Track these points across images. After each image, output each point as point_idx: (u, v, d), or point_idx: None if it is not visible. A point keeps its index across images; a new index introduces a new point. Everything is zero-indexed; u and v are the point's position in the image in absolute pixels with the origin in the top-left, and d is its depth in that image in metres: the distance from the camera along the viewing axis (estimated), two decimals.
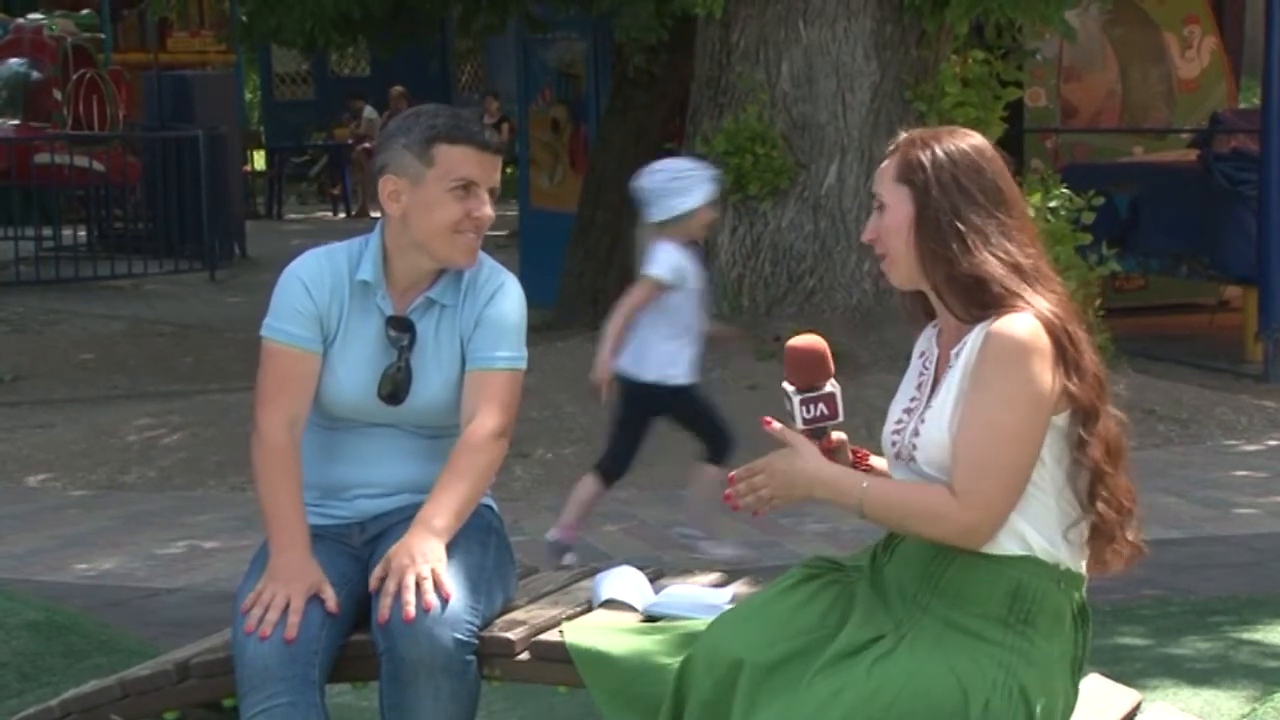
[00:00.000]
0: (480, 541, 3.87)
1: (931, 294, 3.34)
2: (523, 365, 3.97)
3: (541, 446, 8.73)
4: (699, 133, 10.33)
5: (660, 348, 6.93)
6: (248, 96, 28.79)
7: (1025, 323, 3.20)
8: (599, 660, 3.58)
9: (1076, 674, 3.35)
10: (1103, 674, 3.81)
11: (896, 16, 10.05)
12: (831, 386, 3.38)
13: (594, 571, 4.20)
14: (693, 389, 7.10)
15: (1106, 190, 10.93)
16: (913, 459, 3.30)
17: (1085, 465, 3.23)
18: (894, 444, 3.36)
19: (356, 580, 3.82)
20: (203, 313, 15.01)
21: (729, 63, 10.22)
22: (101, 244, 17.79)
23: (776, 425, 3.36)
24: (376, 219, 4.02)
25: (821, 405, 3.37)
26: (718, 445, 7.10)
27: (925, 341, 3.44)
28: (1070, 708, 3.32)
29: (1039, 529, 3.26)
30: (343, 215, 23.77)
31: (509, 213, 17.74)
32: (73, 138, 18.37)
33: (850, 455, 3.45)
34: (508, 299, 3.96)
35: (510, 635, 3.75)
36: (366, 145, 21.78)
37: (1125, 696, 3.75)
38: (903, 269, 3.35)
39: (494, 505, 4.06)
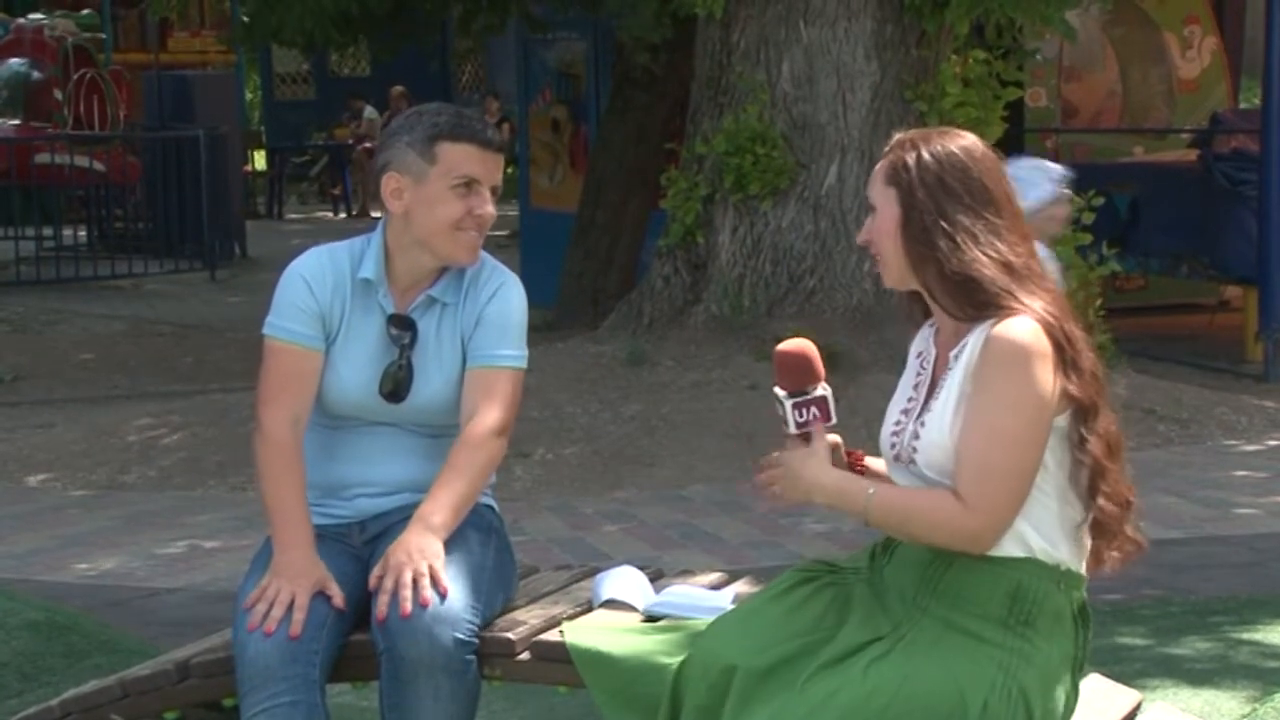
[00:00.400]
0: (481, 542, 3.87)
1: (925, 294, 3.34)
2: (523, 364, 3.97)
3: (541, 446, 8.74)
4: (699, 133, 10.33)
5: None
6: (248, 96, 28.80)
7: (1026, 326, 3.20)
8: (599, 660, 3.58)
9: (1077, 675, 3.35)
10: (1103, 674, 3.81)
11: (897, 16, 10.05)
12: (822, 390, 3.38)
13: (594, 571, 4.20)
14: None
15: (1106, 190, 10.93)
16: (912, 461, 3.30)
17: (1086, 462, 3.24)
18: (893, 446, 3.36)
19: (356, 580, 3.82)
20: (203, 313, 15.01)
21: (729, 63, 10.23)
22: (102, 244, 17.80)
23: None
24: (377, 219, 4.02)
25: (814, 408, 3.36)
26: None
27: (922, 342, 3.44)
28: (1071, 709, 3.32)
29: (1040, 530, 3.26)
30: (343, 215, 23.78)
31: (509, 213, 17.75)
32: (73, 138, 18.37)
33: (845, 458, 3.45)
34: (509, 297, 3.97)
35: (510, 635, 3.75)
36: (367, 145, 21.78)
37: (1125, 696, 3.75)
38: (894, 270, 3.35)
39: (495, 505, 4.06)
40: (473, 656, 3.69)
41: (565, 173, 14.93)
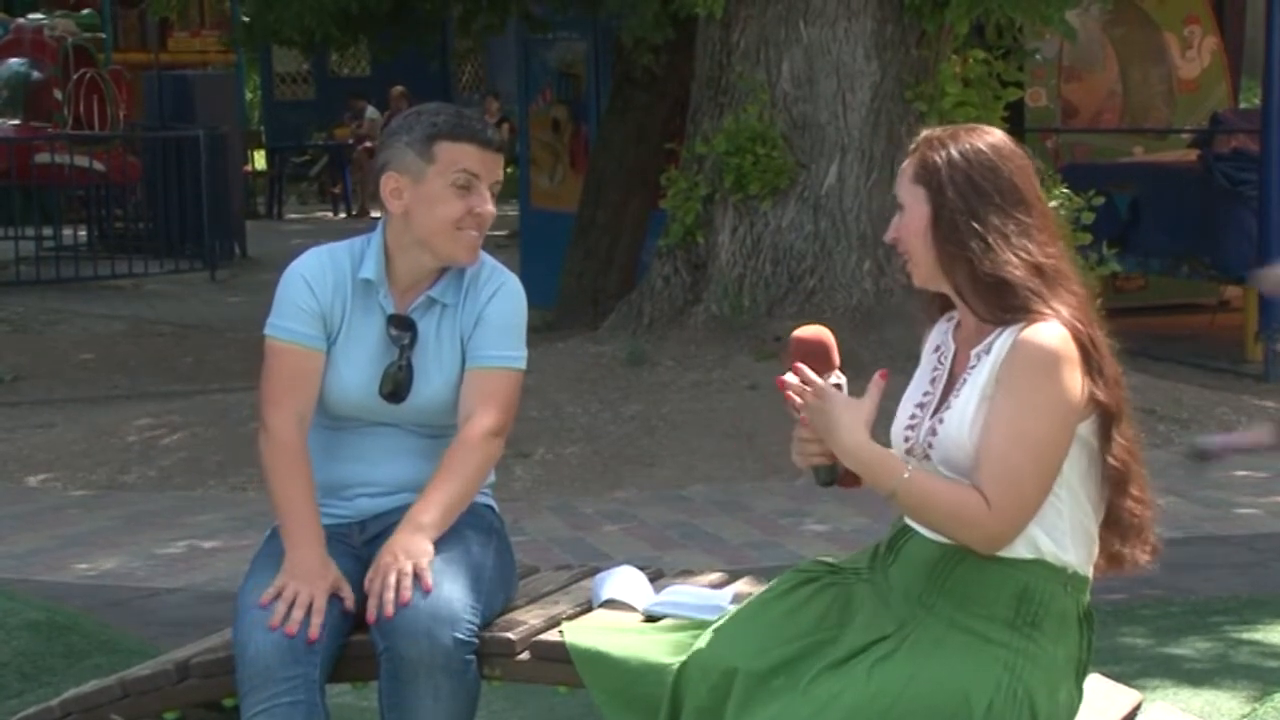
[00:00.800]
0: (481, 542, 3.87)
1: (953, 294, 3.32)
2: (522, 365, 3.97)
3: (541, 446, 8.74)
4: (699, 132, 10.33)
5: None
6: (248, 96, 28.80)
7: (1054, 331, 3.19)
8: (599, 660, 3.58)
9: (1080, 676, 3.35)
10: (1103, 674, 3.81)
11: (897, 16, 10.05)
12: (837, 378, 3.35)
13: (594, 571, 4.20)
14: None
15: (1107, 190, 10.93)
16: (927, 456, 3.28)
17: (1115, 465, 3.24)
18: (907, 439, 3.34)
19: (357, 579, 3.82)
20: (203, 313, 15.01)
21: (729, 63, 10.23)
22: (102, 244, 17.80)
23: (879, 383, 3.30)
24: (377, 219, 4.02)
25: None
26: None
27: (940, 336, 3.42)
28: (1074, 710, 3.32)
29: (1050, 534, 3.25)
30: (343, 215, 23.78)
31: (509, 212, 17.75)
32: (73, 137, 18.37)
33: None
34: (508, 298, 3.96)
35: (510, 635, 3.75)
36: (368, 145, 21.79)
37: (1126, 696, 3.75)
38: (923, 269, 3.33)
39: (494, 506, 4.06)
40: (472, 656, 3.69)
41: (565, 173, 14.93)
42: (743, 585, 4.07)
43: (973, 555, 3.25)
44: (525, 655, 3.75)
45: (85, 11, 23.91)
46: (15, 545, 7.74)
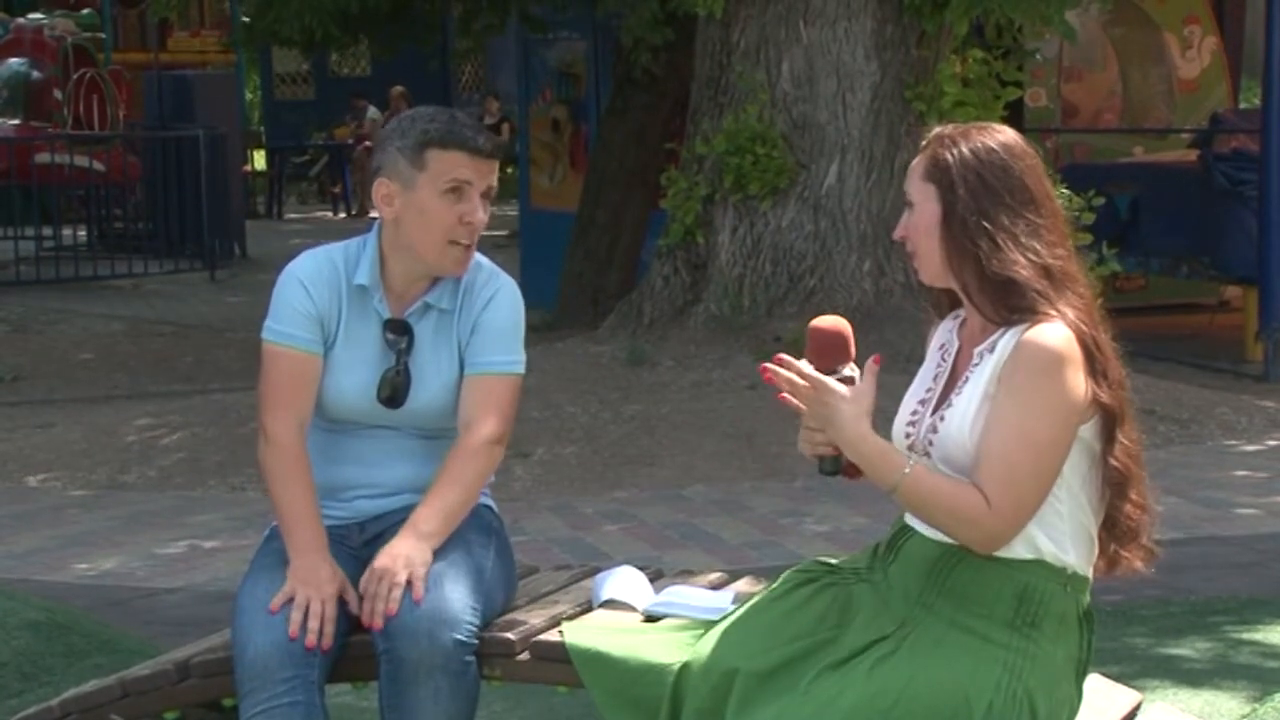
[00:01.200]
0: (481, 543, 3.87)
1: (960, 292, 3.32)
2: (521, 370, 3.96)
3: (541, 446, 8.74)
4: (699, 132, 10.33)
5: None
6: (248, 96, 28.83)
7: (1058, 333, 3.19)
8: (598, 660, 3.58)
9: (1081, 677, 3.35)
10: (1103, 674, 3.81)
11: (897, 16, 10.05)
12: (851, 370, 3.34)
13: (594, 571, 4.19)
14: None
15: (1107, 190, 10.93)
16: (927, 453, 3.29)
17: (1116, 468, 3.24)
18: (908, 435, 3.34)
19: (356, 581, 3.82)
20: (203, 313, 15.01)
21: (729, 62, 10.23)
22: (101, 244, 17.81)
23: (873, 365, 3.28)
24: (375, 219, 4.01)
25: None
26: None
27: (945, 334, 3.42)
28: (1074, 710, 3.32)
29: (1050, 534, 3.25)
30: (343, 215, 23.79)
31: (509, 212, 17.76)
32: (73, 137, 18.37)
33: None
34: (505, 303, 3.95)
35: (510, 635, 3.75)
36: (368, 144, 21.80)
37: (1126, 696, 3.75)
38: (931, 267, 3.33)
39: (494, 506, 4.05)
40: (472, 657, 3.69)
41: (565, 172, 14.93)
42: (743, 585, 4.06)
43: (972, 555, 3.25)
44: (525, 655, 3.75)
45: (85, 11, 23.92)
46: (15, 545, 7.74)
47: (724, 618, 3.52)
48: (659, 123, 13.04)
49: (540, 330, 11.93)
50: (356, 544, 3.94)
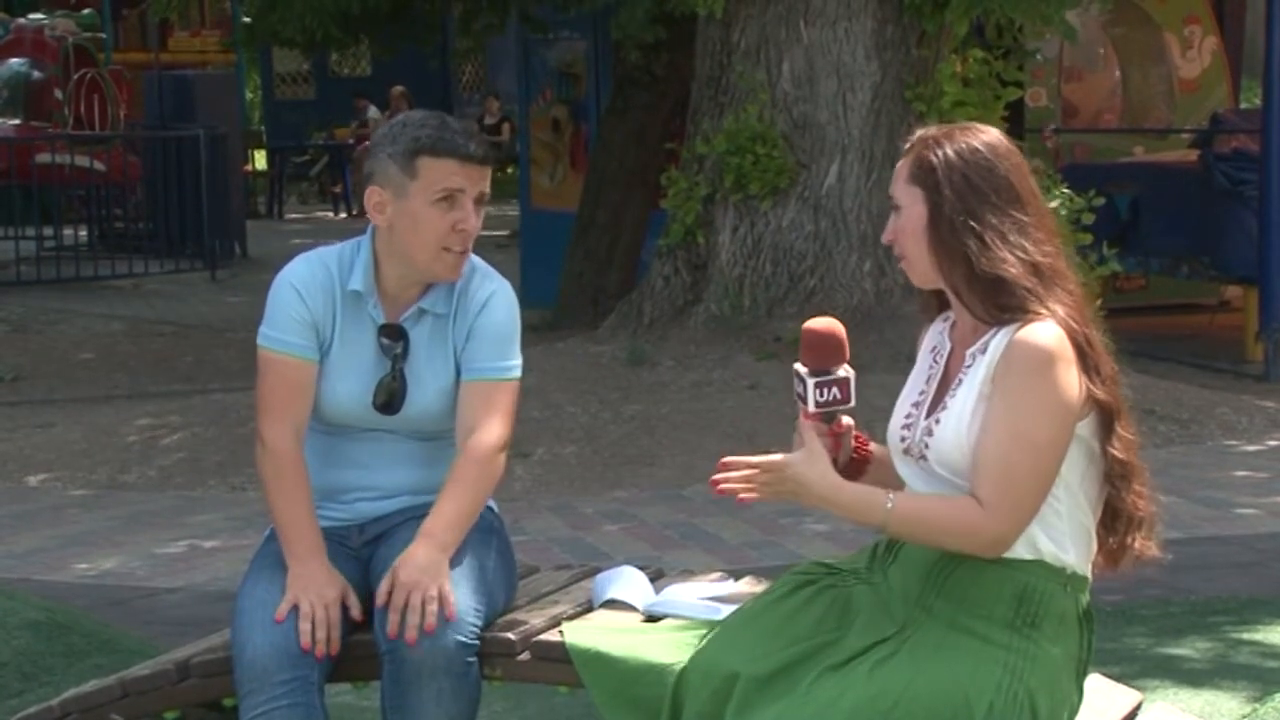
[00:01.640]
0: (482, 543, 3.87)
1: (950, 293, 3.32)
2: (519, 373, 3.95)
3: (541, 446, 8.74)
4: (699, 132, 10.33)
5: None
6: (249, 96, 28.83)
7: (1050, 331, 3.19)
8: (598, 661, 3.58)
9: (1081, 676, 3.35)
10: (1103, 674, 3.81)
11: (897, 16, 10.05)
12: (846, 371, 3.35)
13: (594, 571, 4.19)
14: None
15: (1107, 190, 10.93)
16: (923, 457, 3.29)
17: (1116, 463, 3.24)
18: (903, 439, 3.34)
19: (357, 582, 3.82)
20: (203, 312, 15.01)
21: (730, 62, 10.23)
22: (102, 244, 17.80)
23: (804, 423, 3.32)
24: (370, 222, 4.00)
25: (835, 389, 3.34)
26: None
27: (936, 336, 3.42)
28: (1075, 710, 3.32)
29: (1049, 534, 3.25)
30: (343, 215, 23.79)
31: (509, 212, 17.76)
32: (74, 137, 18.37)
33: (853, 441, 3.45)
34: (500, 307, 3.93)
35: (511, 635, 3.75)
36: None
37: (1126, 696, 3.75)
38: (920, 269, 3.33)
39: (494, 506, 4.05)
40: (474, 658, 3.69)
41: (565, 172, 14.93)
42: (744, 585, 4.07)
43: (971, 557, 3.24)
44: (525, 655, 3.75)
45: (85, 11, 23.91)
46: (15, 545, 7.74)
47: (725, 619, 3.53)
48: (659, 123, 13.04)
49: (540, 330, 11.94)
50: (356, 545, 3.94)
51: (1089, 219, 9.78)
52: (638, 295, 10.64)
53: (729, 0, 10.00)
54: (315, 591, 3.71)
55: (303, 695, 3.64)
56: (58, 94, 19.94)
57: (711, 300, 10.14)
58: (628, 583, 3.99)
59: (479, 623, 3.70)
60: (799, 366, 3.37)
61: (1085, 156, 13.79)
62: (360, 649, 3.76)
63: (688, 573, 4.30)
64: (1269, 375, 10.94)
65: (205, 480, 8.78)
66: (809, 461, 3.27)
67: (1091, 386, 3.21)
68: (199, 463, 8.98)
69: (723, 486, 3.29)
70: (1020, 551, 3.24)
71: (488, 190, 3.90)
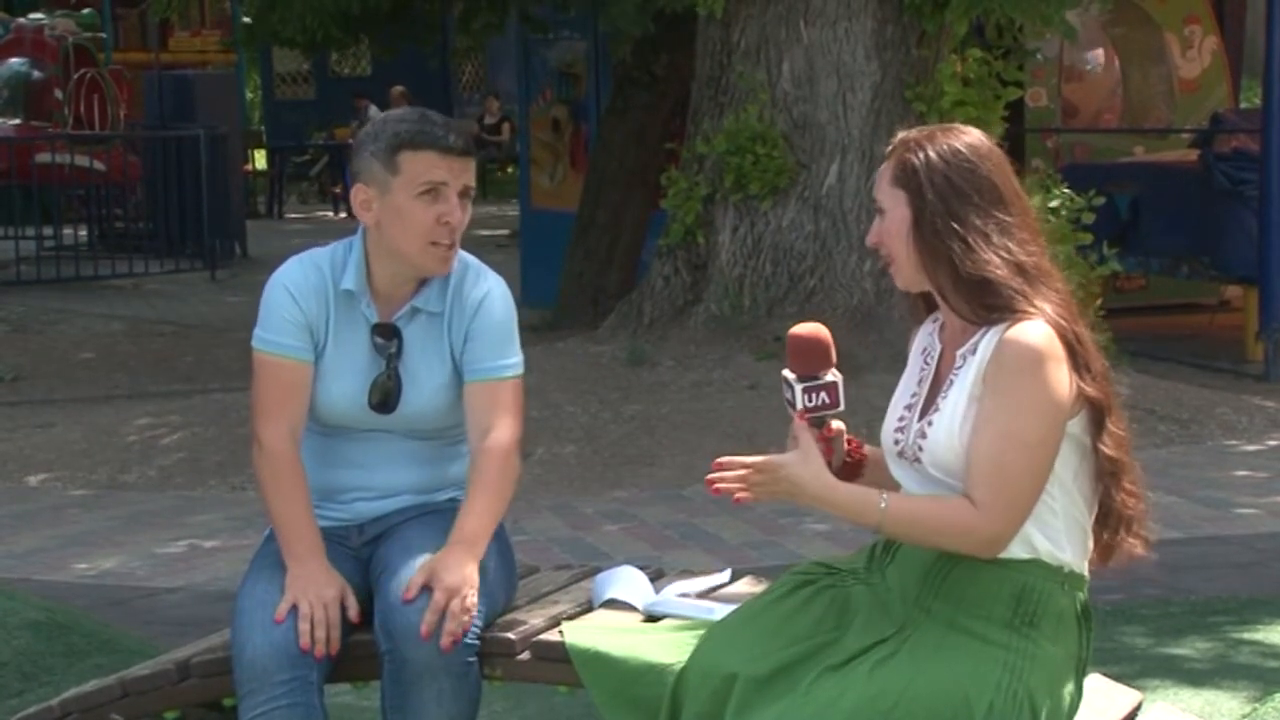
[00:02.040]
0: None
1: (936, 295, 3.33)
2: (521, 370, 3.96)
3: (541, 446, 8.74)
4: (700, 132, 10.33)
5: None
6: (249, 96, 28.83)
7: (1039, 330, 3.19)
8: (598, 660, 3.58)
9: (1080, 675, 3.35)
10: (1103, 674, 3.81)
11: (897, 16, 10.04)
12: (833, 376, 3.36)
13: (594, 571, 4.20)
14: None
15: (1107, 190, 10.93)
16: (917, 460, 3.29)
17: (1106, 459, 3.24)
18: (896, 442, 3.35)
19: (356, 582, 3.82)
20: (203, 312, 15.01)
21: (730, 62, 10.22)
22: (102, 244, 17.80)
23: (799, 424, 3.33)
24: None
25: (823, 394, 3.35)
26: None
27: (926, 338, 3.42)
28: (1074, 709, 3.32)
29: (1045, 532, 3.25)
30: (343, 215, 23.78)
31: (509, 212, 17.76)
32: (74, 137, 18.37)
33: (845, 445, 3.45)
34: (496, 306, 3.93)
35: (511, 635, 3.75)
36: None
37: (1126, 696, 3.75)
38: (905, 272, 3.34)
39: None
40: (475, 658, 3.69)
41: (566, 172, 14.94)
42: (744, 585, 4.07)
43: (967, 557, 3.25)
44: (525, 655, 3.75)
45: (86, 11, 23.90)
46: (15, 545, 7.74)
47: (723, 619, 3.53)
48: (659, 123, 13.04)
49: (540, 330, 11.94)
50: (356, 545, 3.94)
51: (1089, 219, 9.78)
52: (638, 295, 10.64)
53: (729, 0, 10.00)
54: (314, 591, 3.71)
55: (302, 695, 3.64)
56: (58, 94, 19.93)
57: (711, 300, 10.13)
58: (627, 583, 3.99)
59: (479, 623, 3.70)
60: (786, 373, 3.38)
61: (1085, 156, 13.79)
62: (360, 649, 3.76)
63: (688, 573, 4.30)
64: (1269, 375, 10.93)
65: (205, 480, 8.78)
66: (803, 461, 3.28)
67: (1082, 384, 3.21)
68: (199, 463, 8.98)
69: (718, 486, 3.30)
70: (1017, 551, 3.24)
71: (472, 184, 3.89)
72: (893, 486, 3.39)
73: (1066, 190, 9.95)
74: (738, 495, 3.30)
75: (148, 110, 19.66)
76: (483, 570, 3.79)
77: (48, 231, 17.32)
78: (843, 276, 9.96)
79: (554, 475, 8.50)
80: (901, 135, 3.38)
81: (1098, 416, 3.24)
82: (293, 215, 24.14)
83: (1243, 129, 12.54)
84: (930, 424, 3.28)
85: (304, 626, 3.67)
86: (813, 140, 10.05)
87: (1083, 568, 3.31)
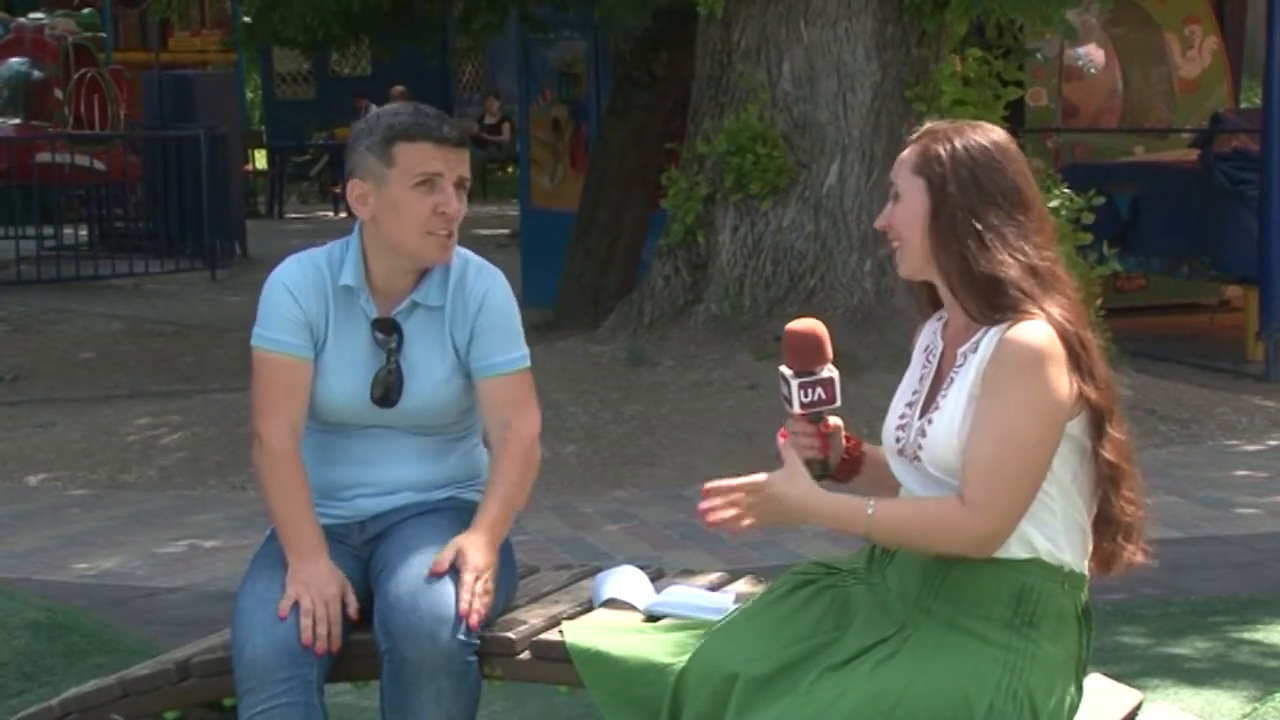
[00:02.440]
0: None
1: (943, 287, 3.32)
2: (529, 360, 4.00)
3: (541, 446, 8.70)
4: (700, 132, 10.33)
5: None
6: (249, 96, 28.82)
7: (1040, 330, 3.19)
8: (598, 660, 3.58)
9: (1081, 675, 3.35)
10: (1103, 674, 3.81)
11: (897, 16, 10.04)
12: (830, 371, 3.36)
13: (594, 571, 4.20)
14: None
15: (1107, 190, 10.92)
16: (917, 458, 3.29)
17: (1106, 464, 3.23)
18: (897, 440, 3.34)
19: (357, 580, 3.83)
20: (203, 312, 15.01)
21: (730, 62, 10.22)
22: (102, 243, 17.79)
23: (783, 442, 3.34)
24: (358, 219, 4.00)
25: (820, 389, 3.34)
26: None
27: (929, 336, 3.42)
28: (1075, 709, 3.32)
29: (1044, 533, 3.25)
30: (343, 214, 23.77)
31: (510, 212, 17.75)
32: (74, 137, 18.37)
33: (843, 441, 3.45)
34: (498, 301, 3.94)
35: (511, 635, 3.76)
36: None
37: (1126, 696, 3.75)
38: (914, 259, 3.32)
39: None
40: (474, 658, 3.69)
41: (566, 172, 14.94)
42: (744, 585, 4.07)
43: (965, 557, 3.24)
44: (525, 655, 3.75)
45: (86, 11, 23.91)
46: (15, 545, 7.74)
47: (724, 619, 3.52)
48: (659, 123, 13.04)
49: (541, 330, 11.93)
50: (357, 543, 3.94)
51: (1089, 219, 9.77)
52: (638, 295, 10.64)
53: (729, 0, 10.00)
54: (316, 588, 3.71)
55: (302, 694, 3.64)
56: (58, 94, 19.94)
57: (712, 300, 10.13)
58: (628, 582, 3.99)
59: None
60: (783, 369, 3.37)
61: (1085, 156, 13.78)
62: (360, 648, 3.76)
63: (688, 573, 4.30)
64: (1269, 375, 10.93)
65: (205, 480, 8.78)
66: (789, 479, 3.28)
67: (1083, 386, 3.21)
68: (199, 462, 8.98)
69: (712, 518, 3.30)
70: (1016, 551, 3.24)
71: (467, 175, 3.91)
72: (893, 485, 3.38)
73: (1066, 190, 9.95)
74: (743, 524, 3.30)
75: (148, 110, 19.66)
76: None
77: (48, 231, 17.32)
78: (843, 276, 9.96)
79: (554, 475, 8.50)
80: (929, 124, 3.36)
81: (1098, 420, 3.23)
82: (293, 215, 24.14)
83: (1243, 129, 12.54)
84: (930, 422, 3.27)
85: (306, 622, 3.68)
86: (813, 140, 10.04)
87: (1083, 567, 3.31)
